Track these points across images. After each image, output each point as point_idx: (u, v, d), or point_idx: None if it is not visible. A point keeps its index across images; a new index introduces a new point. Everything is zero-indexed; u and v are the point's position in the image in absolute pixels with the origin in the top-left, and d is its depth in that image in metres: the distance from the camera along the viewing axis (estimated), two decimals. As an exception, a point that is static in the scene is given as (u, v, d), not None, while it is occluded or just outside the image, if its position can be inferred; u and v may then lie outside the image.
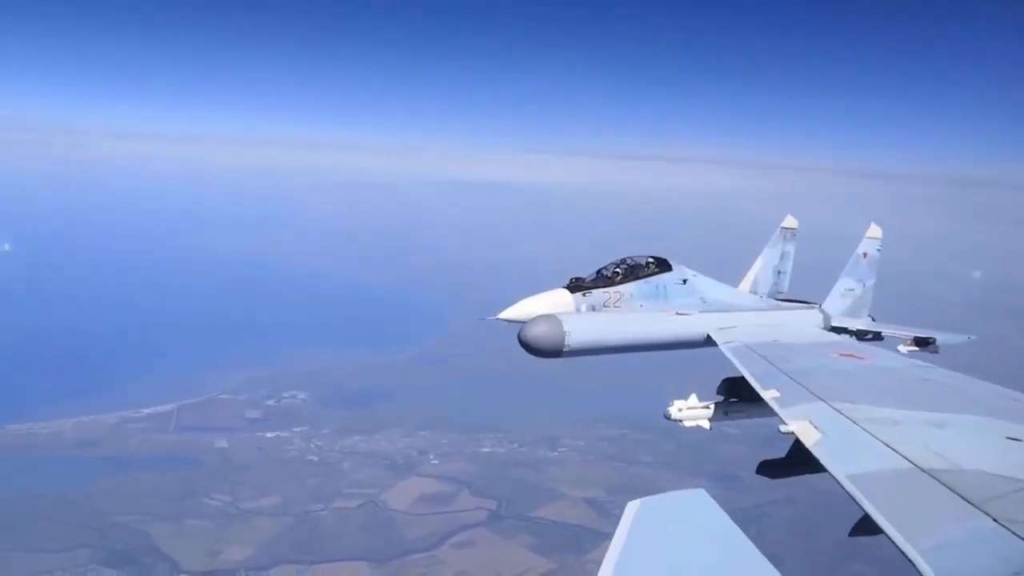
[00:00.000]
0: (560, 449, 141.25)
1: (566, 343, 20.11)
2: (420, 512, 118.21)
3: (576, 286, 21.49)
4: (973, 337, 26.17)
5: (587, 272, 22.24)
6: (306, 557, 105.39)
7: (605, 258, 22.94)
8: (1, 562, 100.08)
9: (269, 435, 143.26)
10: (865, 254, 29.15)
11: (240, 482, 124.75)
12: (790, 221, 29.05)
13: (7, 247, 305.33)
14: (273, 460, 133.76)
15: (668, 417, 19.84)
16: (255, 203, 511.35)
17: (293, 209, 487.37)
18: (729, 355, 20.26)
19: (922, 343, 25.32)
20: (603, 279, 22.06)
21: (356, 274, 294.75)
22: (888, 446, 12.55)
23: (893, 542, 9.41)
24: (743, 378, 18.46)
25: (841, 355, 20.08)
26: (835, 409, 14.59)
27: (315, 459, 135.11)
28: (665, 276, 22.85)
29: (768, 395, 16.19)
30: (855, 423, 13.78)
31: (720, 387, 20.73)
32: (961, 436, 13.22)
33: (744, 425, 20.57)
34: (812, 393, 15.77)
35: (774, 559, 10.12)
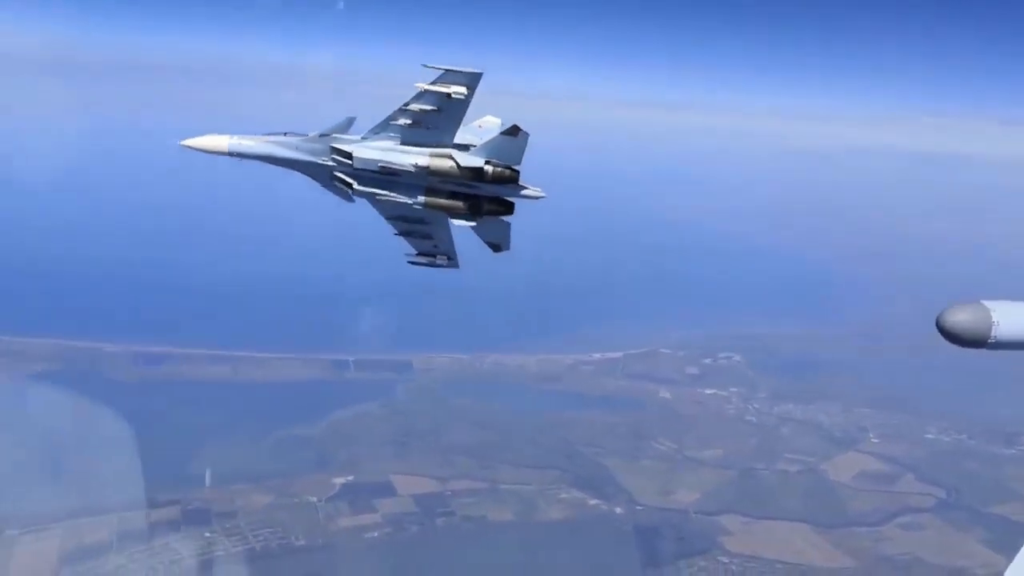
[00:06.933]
0: (1018, 447, 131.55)
1: (992, 334, 18.14)
2: (862, 488, 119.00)
3: None
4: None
5: None
6: (750, 511, 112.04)
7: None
8: (489, 469, 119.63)
9: (708, 391, 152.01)
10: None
11: (684, 432, 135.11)
12: None
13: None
14: (713, 415, 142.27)
15: None
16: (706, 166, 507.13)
17: (759, 175, 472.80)
18: None
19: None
20: None
21: (798, 245, 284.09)
22: None
23: None
24: None
25: None
26: None
27: (753, 420, 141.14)
28: None
29: None
30: None
31: None
32: None
33: None
34: None
35: None
